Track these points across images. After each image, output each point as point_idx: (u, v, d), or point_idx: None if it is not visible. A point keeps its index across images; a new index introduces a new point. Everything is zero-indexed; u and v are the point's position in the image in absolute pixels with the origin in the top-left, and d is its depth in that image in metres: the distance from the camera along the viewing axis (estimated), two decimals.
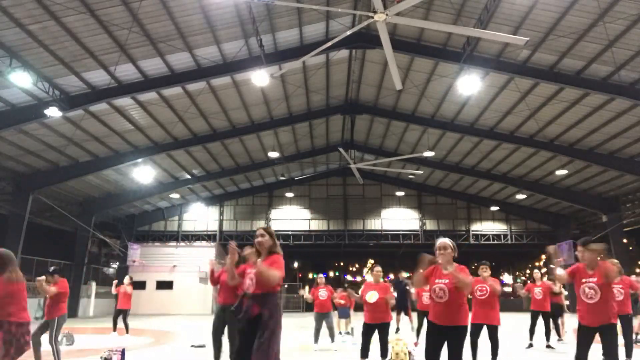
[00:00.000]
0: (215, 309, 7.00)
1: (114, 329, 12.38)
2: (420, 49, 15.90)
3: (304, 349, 9.55)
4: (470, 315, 4.63)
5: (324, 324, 9.60)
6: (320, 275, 14.71)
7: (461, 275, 4.30)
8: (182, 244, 30.38)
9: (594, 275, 4.74)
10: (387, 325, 6.71)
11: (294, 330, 14.35)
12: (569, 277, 4.98)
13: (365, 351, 6.55)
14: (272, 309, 4.01)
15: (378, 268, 7.07)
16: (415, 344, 9.69)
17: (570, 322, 11.28)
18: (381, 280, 7.01)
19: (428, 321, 4.52)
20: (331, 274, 53.98)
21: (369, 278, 7.25)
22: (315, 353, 8.96)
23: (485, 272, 7.08)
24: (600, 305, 4.65)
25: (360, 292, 6.91)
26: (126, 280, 12.26)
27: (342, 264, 55.10)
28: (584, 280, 4.78)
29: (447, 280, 4.39)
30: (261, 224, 31.09)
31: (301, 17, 14.71)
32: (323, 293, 9.70)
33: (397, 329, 12.56)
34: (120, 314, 12.06)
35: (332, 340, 9.71)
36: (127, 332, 11.84)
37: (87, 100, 15.49)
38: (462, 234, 30.81)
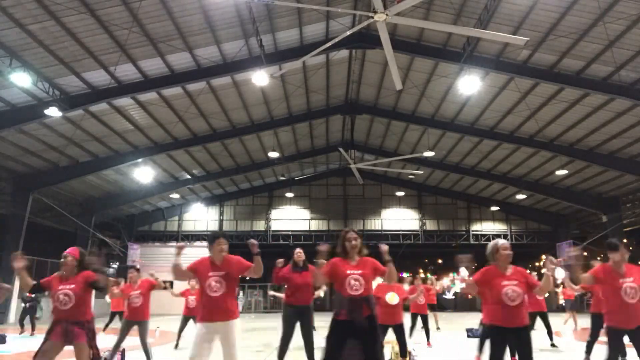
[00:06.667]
0: (286, 310, 6.60)
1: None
2: (420, 49, 15.90)
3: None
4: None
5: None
6: None
7: None
8: (182, 244, 30.33)
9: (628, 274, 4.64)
10: (402, 325, 6.78)
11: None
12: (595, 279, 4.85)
13: None
14: (375, 309, 4.36)
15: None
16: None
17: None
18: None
19: (495, 326, 4.29)
20: None
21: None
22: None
23: None
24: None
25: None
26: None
27: None
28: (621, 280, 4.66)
29: (517, 282, 4.24)
30: (261, 224, 31.13)
31: (301, 17, 14.71)
32: None
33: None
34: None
35: None
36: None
37: (87, 100, 15.50)
38: (462, 234, 30.77)
